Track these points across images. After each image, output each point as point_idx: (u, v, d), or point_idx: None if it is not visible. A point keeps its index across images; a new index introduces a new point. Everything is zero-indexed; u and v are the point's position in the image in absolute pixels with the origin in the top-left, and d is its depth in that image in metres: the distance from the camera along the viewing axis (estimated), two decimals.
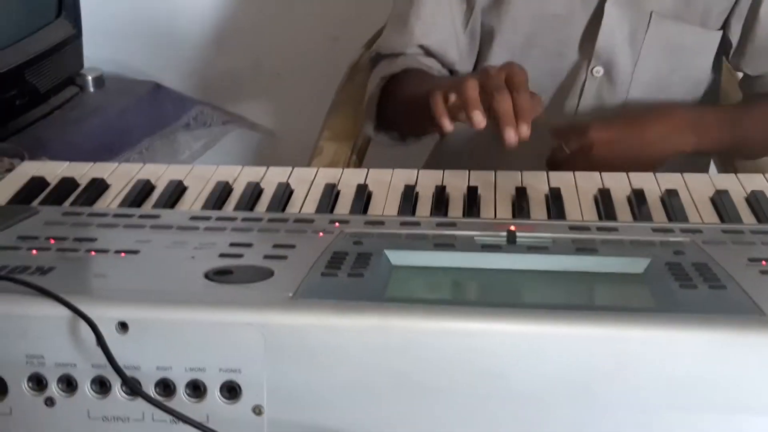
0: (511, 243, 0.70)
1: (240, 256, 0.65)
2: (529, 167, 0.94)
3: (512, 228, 0.72)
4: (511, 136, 0.81)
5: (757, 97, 1.20)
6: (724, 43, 1.17)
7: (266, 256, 0.65)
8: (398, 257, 0.67)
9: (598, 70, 1.14)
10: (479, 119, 0.82)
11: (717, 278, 0.60)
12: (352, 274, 0.61)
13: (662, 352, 0.53)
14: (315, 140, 1.46)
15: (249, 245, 0.68)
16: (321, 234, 0.72)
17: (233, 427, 0.56)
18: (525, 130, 0.82)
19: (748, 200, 0.85)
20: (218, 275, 0.61)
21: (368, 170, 0.94)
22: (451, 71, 1.21)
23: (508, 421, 0.55)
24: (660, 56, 1.14)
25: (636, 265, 0.65)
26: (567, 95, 1.16)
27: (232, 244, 0.68)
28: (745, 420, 0.53)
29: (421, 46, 1.18)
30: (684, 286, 0.59)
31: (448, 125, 0.85)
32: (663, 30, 1.12)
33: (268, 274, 0.61)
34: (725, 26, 1.15)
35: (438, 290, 0.63)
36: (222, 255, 0.65)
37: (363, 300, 0.57)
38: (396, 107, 1.17)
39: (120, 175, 0.93)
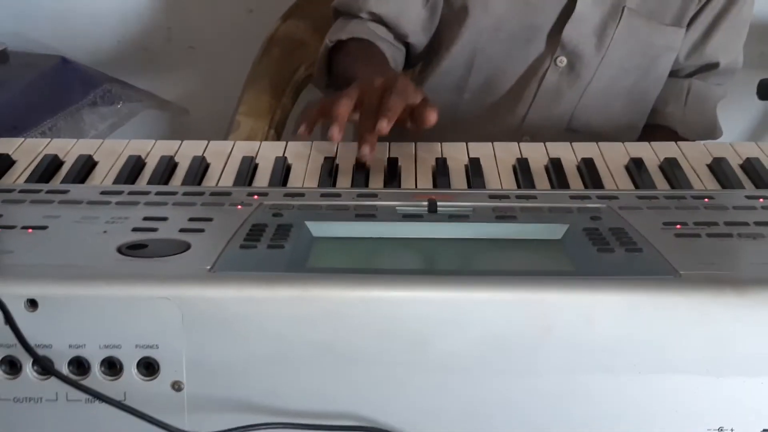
0: (432, 212, 0.70)
1: (154, 230, 0.63)
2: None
3: (433, 197, 0.71)
4: (363, 155, 0.82)
5: (650, 134, 1.22)
6: None
7: (182, 230, 0.63)
8: (319, 228, 0.66)
9: (562, 60, 1.14)
10: (333, 134, 0.82)
11: (633, 242, 0.61)
12: (272, 245, 0.60)
13: (582, 315, 0.54)
14: (230, 116, 1.44)
15: (164, 219, 0.66)
16: (239, 206, 0.70)
17: (152, 404, 0.54)
18: (383, 125, 0.81)
19: (661, 167, 0.87)
20: (132, 249, 0.59)
21: (287, 143, 0.92)
22: (406, 44, 1.20)
23: (431, 388, 0.54)
24: (627, 52, 1.14)
25: (554, 231, 0.65)
26: (528, 83, 1.16)
27: (145, 218, 0.66)
28: (665, 378, 0.54)
29: (372, 14, 1.16)
30: (601, 250, 0.60)
31: (306, 132, 0.86)
32: (634, 26, 1.13)
33: (184, 247, 0.59)
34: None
35: (359, 260, 0.62)
36: (135, 229, 0.63)
37: (282, 271, 0.56)
38: (337, 74, 1.16)
39: (26, 150, 0.89)
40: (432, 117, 0.86)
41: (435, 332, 0.54)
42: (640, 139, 1.25)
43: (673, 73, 1.21)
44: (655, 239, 0.62)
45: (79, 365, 0.54)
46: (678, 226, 0.65)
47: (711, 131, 1.24)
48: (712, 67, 1.20)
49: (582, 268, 0.58)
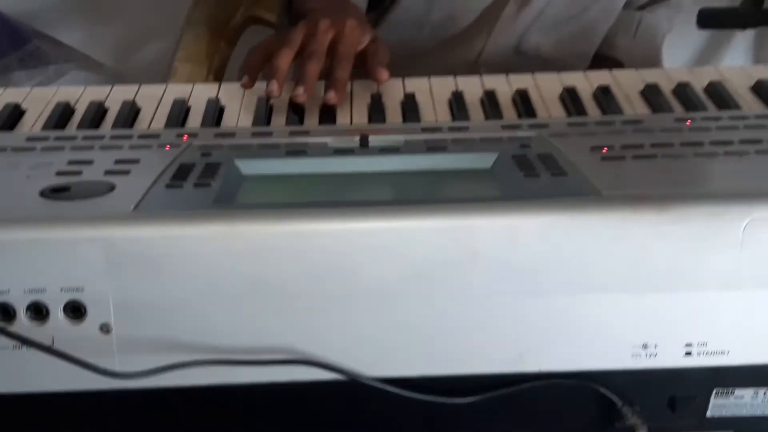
0: (364, 146, 0.69)
1: (79, 173, 0.62)
2: None
3: (365, 132, 0.71)
4: (298, 95, 0.81)
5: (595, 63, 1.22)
6: None
7: (107, 172, 0.62)
8: (249, 166, 0.65)
9: None
10: (272, 89, 0.81)
11: (560, 167, 0.62)
12: (199, 184, 0.60)
13: (506, 238, 0.54)
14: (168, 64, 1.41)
15: (89, 162, 0.65)
16: (168, 147, 0.69)
17: (80, 347, 0.54)
18: (332, 96, 0.81)
19: (594, 95, 0.87)
20: (54, 192, 0.58)
21: (220, 85, 0.91)
22: None
23: (361, 317, 0.55)
24: None
25: (484, 160, 0.66)
26: (486, 18, 1.15)
27: (70, 162, 0.65)
28: (588, 297, 0.55)
29: None
30: (528, 175, 0.60)
31: (249, 85, 0.86)
32: None
33: (108, 188, 0.59)
34: None
35: (289, 196, 0.62)
36: (59, 173, 0.62)
37: (209, 208, 0.55)
38: (295, 10, 1.13)
39: None
40: (383, 76, 0.86)
41: (362, 262, 0.54)
42: (587, 68, 1.25)
43: (626, 5, 1.21)
44: (582, 163, 0.62)
45: (5, 311, 0.54)
46: (605, 150, 0.66)
47: (655, 64, 1.25)
48: None
49: (508, 194, 0.58)
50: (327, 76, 0.85)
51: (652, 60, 1.25)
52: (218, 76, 1.41)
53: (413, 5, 1.17)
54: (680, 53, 1.75)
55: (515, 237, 0.54)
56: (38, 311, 0.54)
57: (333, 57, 0.85)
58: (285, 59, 0.84)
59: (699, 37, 1.73)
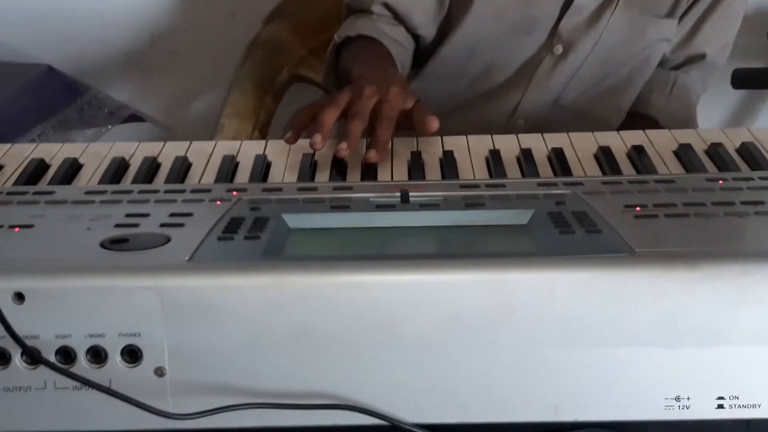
0: (405, 202, 0.72)
1: (136, 225, 0.66)
2: None
3: (406, 188, 0.74)
4: (341, 149, 0.84)
5: (630, 121, 1.25)
6: None
7: (163, 224, 0.66)
8: (295, 220, 0.69)
9: (558, 49, 1.17)
10: (316, 142, 0.85)
11: (594, 224, 0.64)
12: (249, 237, 0.63)
13: (542, 293, 0.56)
14: (215, 120, 1.47)
15: (145, 215, 0.68)
16: (219, 202, 0.73)
17: (137, 389, 0.57)
18: (372, 155, 0.85)
19: (629, 155, 0.89)
20: (114, 243, 0.61)
21: (267, 141, 0.95)
22: (416, 37, 1.22)
23: (400, 366, 0.57)
24: (619, 40, 1.17)
25: (520, 216, 0.68)
26: (523, 72, 1.19)
27: (128, 215, 0.69)
28: (622, 351, 0.57)
29: (386, 5, 1.18)
30: (563, 232, 0.63)
31: (291, 141, 0.89)
32: (627, 17, 1.16)
33: (164, 240, 0.62)
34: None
35: (333, 249, 0.65)
36: (118, 225, 0.66)
37: (258, 260, 0.58)
38: (341, 72, 1.18)
39: (13, 155, 0.92)
40: (433, 125, 0.89)
41: (403, 313, 0.56)
42: (622, 125, 1.28)
43: (660, 64, 1.24)
44: (615, 221, 0.65)
45: (66, 355, 0.57)
46: (638, 208, 0.68)
47: (688, 124, 1.28)
48: (698, 58, 1.24)
49: (543, 249, 0.61)
50: (369, 135, 0.89)
51: (686, 120, 1.27)
52: (263, 132, 1.46)
53: (453, 57, 1.21)
54: (714, 113, 1.77)
55: (551, 292, 0.57)
56: (97, 355, 0.57)
57: (376, 118, 0.89)
58: (330, 116, 0.88)
59: (733, 97, 1.75)
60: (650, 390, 0.58)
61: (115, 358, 0.57)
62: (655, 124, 1.24)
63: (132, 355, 0.57)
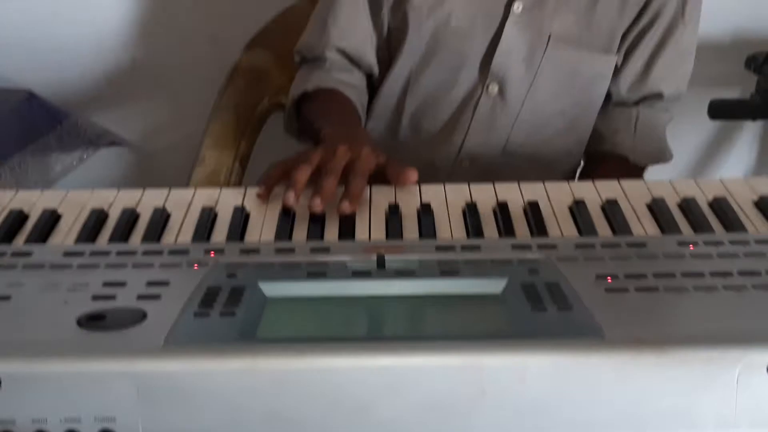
0: (381, 267, 0.73)
1: (113, 297, 0.66)
2: None
3: (382, 251, 0.75)
4: (314, 205, 0.86)
5: (600, 161, 1.26)
6: None
7: (139, 296, 0.66)
8: (272, 289, 0.69)
9: (494, 87, 1.18)
10: (289, 199, 0.87)
11: (565, 299, 0.65)
12: (225, 312, 0.64)
13: (513, 378, 0.58)
14: (197, 146, 1.47)
15: (122, 284, 0.69)
16: (196, 266, 0.73)
17: None
18: (345, 206, 0.87)
19: (603, 209, 0.91)
20: (91, 321, 0.62)
21: (246, 189, 0.95)
22: (370, 77, 1.24)
23: None
24: (555, 79, 1.18)
25: (494, 285, 0.69)
26: (463, 110, 1.20)
27: (105, 284, 0.69)
28: None
29: (339, 50, 1.20)
30: (535, 308, 0.64)
31: (264, 197, 0.91)
32: (560, 54, 1.16)
33: (140, 317, 0.63)
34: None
35: (309, 323, 0.66)
36: (95, 297, 0.66)
37: (233, 342, 0.59)
38: (305, 124, 1.20)
39: None
40: (412, 176, 0.91)
41: (375, 398, 0.57)
42: (593, 166, 1.29)
43: (620, 103, 1.25)
44: (587, 294, 0.66)
45: None
46: (609, 279, 0.69)
47: (661, 155, 1.29)
48: (655, 96, 1.25)
49: (516, 328, 0.62)
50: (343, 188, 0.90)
51: (658, 151, 1.28)
52: (244, 163, 1.47)
53: (392, 93, 1.23)
54: (691, 140, 1.79)
55: (521, 376, 0.58)
56: None
57: (349, 174, 0.90)
58: (303, 175, 0.89)
59: (710, 124, 1.77)
60: None
61: None
62: (625, 162, 1.25)
63: None
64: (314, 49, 1.22)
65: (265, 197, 0.90)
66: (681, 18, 1.18)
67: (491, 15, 1.15)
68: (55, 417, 0.57)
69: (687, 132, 1.72)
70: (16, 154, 1.51)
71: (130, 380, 0.57)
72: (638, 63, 1.21)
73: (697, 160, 1.81)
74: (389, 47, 1.22)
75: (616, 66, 1.22)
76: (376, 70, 1.24)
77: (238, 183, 1.44)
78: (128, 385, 0.57)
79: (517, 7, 1.14)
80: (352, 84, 1.21)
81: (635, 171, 1.27)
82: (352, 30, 1.20)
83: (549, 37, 1.15)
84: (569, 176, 1.31)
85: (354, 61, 1.22)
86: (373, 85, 1.27)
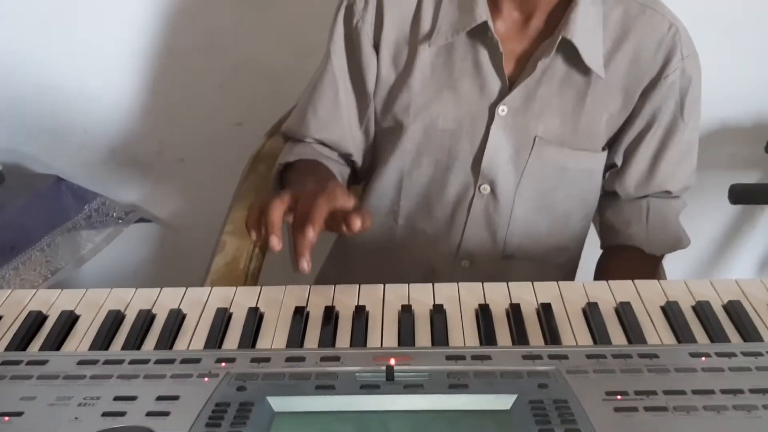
0: (390, 380, 0.74)
1: (123, 414, 0.67)
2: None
3: (391, 363, 0.76)
4: (302, 268, 0.84)
5: (616, 253, 1.26)
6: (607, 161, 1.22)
7: (149, 413, 0.67)
8: (280, 403, 0.70)
9: (485, 188, 1.18)
10: (274, 245, 0.85)
11: (574, 420, 0.65)
12: None
13: None
14: (219, 230, 1.49)
15: (133, 399, 0.70)
16: (206, 379, 0.74)
17: None
18: (309, 233, 0.85)
19: (617, 311, 0.90)
20: None
21: (261, 289, 0.96)
22: (352, 161, 1.26)
23: None
24: (543, 177, 1.18)
25: (503, 401, 0.69)
26: (457, 210, 1.21)
27: (116, 398, 0.70)
28: None
29: (316, 139, 1.22)
30: (543, 431, 0.64)
31: (256, 239, 0.89)
32: (546, 154, 1.16)
33: None
34: (610, 148, 1.20)
35: None
36: (105, 414, 0.67)
37: None
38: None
39: (12, 303, 0.94)
40: (357, 223, 0.87)
41: None
42: (609, 258, 1.29)
43: (627, 198, 1.25)
44: (595, 415, 0.65)
45: None
46: (618, 397, 0.69)
47: (677, 243, 1.28)
48: (664, 194, 1.25)
49: None
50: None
51: (672, 241, 1.26)
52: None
53: (385, 192, 1.24)
54: (711, 225, 1.77)
55: None
56: None
57: (309, 215, 0.87)
58: (277, 213, 0.87)
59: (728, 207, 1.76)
60: None
61: None
62: (640, 252, 1.24)
63: None
64: (296, 134, 1.25)
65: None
66: (680, 118, 1.18)
67: (477, 118, 1.16)
68: None
69: (707, 214, 1.71)
70: (46, 235, 1.54)
71: None
72: (641, 165, 1.21)
73: (717, 242, 1.80)
74: (380, 145, 1.24)
75: (615, 165, 1.22)
76: (357, 158, 1.25)
77: (258, 269, 1.45)
78: None
79: (501, 110, 1.15)
80: (333, 159, 1.23)
81: (652, 261, 1.27)
82: (330, 123, 1.21)
83: (534, 138, 1.16)
84: (569, 273, 1.30)
85: (333, 148, 1.24)
86: (357, 175, 1.29)
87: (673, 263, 1.33)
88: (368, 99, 1.20)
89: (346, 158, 1.26)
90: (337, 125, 1.21)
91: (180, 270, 1.67)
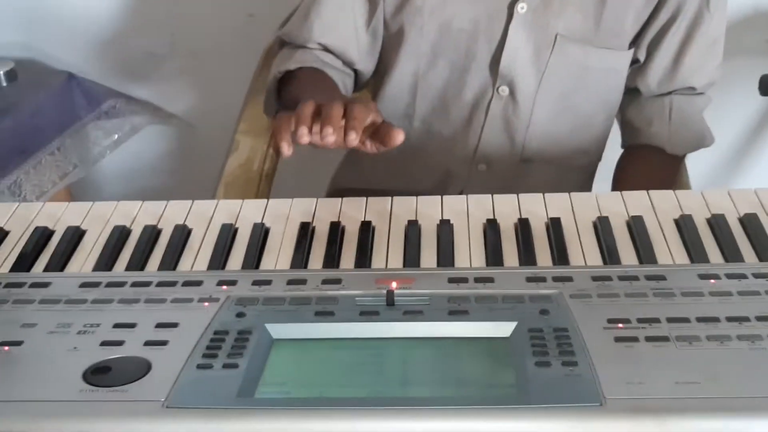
0: (390, 305, 0.73)
1: (121, 344, 0.67)
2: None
3: (392, 287, 0.75)
4: (325, 133, 0.82)
5: (636, 153, 1.22)
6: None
7: (147, 342, 0.67)
8: (279, 331, 0.70)
9: (504, 90, 1.14)
10: (302, 136, 0.83)
11: (572, 351, 0.64)
12: (228, 364, 0.64)
13: None
14: (233, 127, 1.47)
15: (132, 327, 0.70)
16: (206, 304, 0.74)
17: None
18: (352, 138, 0.84)
19: (628, 225, 0.88)
20: (96, 374, 0.63)
21: (267, 202, 0.95)
22: (354, 71, 1.22)
23: None
24: (564, 77, 1.14)
25: (503, 329, 0.69)
26: (475, 112, 1.17)
27: (115, 325, 0.70)
28: None
29: (320, 44, 1.18)
30: (540, 363, 0.63)
31: (286, 151, 0.85)
32: (568, 53, 1.12)
33: (145, 369, 0.64)
34: (634, 44, 1.15)
35: (312, 370, 0.66)
36: (104, 343, 0.68)
37: (231, 403, 0.60)
38: (287, 103, 1.17)
39: (19, 217, 0.94)
40: (399, 136, 0.86)
41: None
42: (630, 159, 1.25)
43: (650, 95, 1.21)
44: (594, 346, 0.65)
45: None
46: (620, 325, 0.68)
47: (700, 141, 1.24)
48: (688, 90, 1.20)
49: (517, 389, 0.61)
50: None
51: (696, 139, 1.22)
52: (277, 148, 1.46)
53: (398, 96, 1.20)
54: (739, 117, 1.71)
55: None
56: None
57: (348, 119, 0.86)
58: (308, 109, 0.86)
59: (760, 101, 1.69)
60: None
61: None
62: (661, 152, 1.21)
63: None
64: (296, 39, 1.19)
65: (287, 150, 0.85)
66: (707, 9, 1.12)
67: (495, 17, 1.11)
68: None
69: (734, 110, 1.65)
70: (56, 138, 1.53)
71: None
72: (665, 59, 1.15)
73: (744, 139, 1.74)
74: (389, 48, 1.19)
75: (638, 61, 1.17)
76: (361, 67, 1.20)
77: (273, 169, 1.44)
78: None
79: (521, 8, 1.09)
80: (336, 67, 1.18)
81: (673, 161, 1.23)
82: (336, 26, 1.16)
83: (556, 36, 1.11)
84: (588, 176, 1.27)
85: (336, 55, 1.19)
86: (357, 86, 1.25)
87: (695, 165, 1.29)
88: None
89: (349, 67, 1.21)
90: (344, 28, 1.16)
91: (196, 169, 1.66)
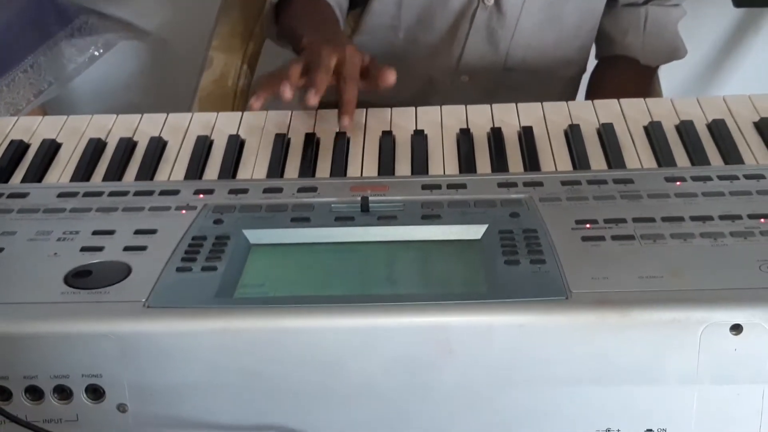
0: (365, 211, 0.74)
1: (101, 249, 0.69)
2: None
3: (367, 194, 0.76)
4: (308, 98, 0.87)
5: (610, 64, 1.21)
6: None
7: (126, 248, 0.69)
8: (256, 236, 0.71)
9: (489, 0, 1.14)
10: (285, 92, 0.87)
11: (540, 251, 0.66)
12: (207, 267, 0.66)
13: (481, 337, 0.59)
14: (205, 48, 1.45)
15: (111, 233, 0.71)
16: (184, 212, 0.75)
17: (102, 423, 0.61)
18: (345, 121, 0.88)
19: (599, 133, 0.90)
20: (77, 278, 0.65)
21: (242, 114, 0.96)
22: None
23: (346, 406, 0.61)
24: None
25: (474, 231, 0.70)
26: (459, 22, 1.17)
27: (94, 232, 0.71)
28: (556, 389, 0.60)
29: None
30: (509, 262, 0.65)
31: (256, 106, 0.90)
32: None
33: (125, 273, 0.65)
34: None
35: (289, 272, 0.68)
36: (83, 249, 0.69)
37: (211, 303, 0.61)
38: (283, 31, 1.18)
39: None
40: (391, 77, 0.90)
41: (346, 357, 0.60)
42: (603, 70, 1.26)
43: (629, 4, 1.21)
44: (562, 245, 0.67)
45: (33, 392, 0.61)
46: (588, 225, 0.69)
47: (673, 53, 1.25)
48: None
49: (487, 286, 0.63)
50: (337, 98, 0.91)
51: (669, 51, 1.24)
52: (252, 64, 1.45)
53: (384, 8, 1.20)
54: (708, 34, 1.71)
55: (488, 336, 0.59)
56: (63, 392, 0.61)
57: (339, 79, 0.90)
58: (295, 71, 0.90)
59: (729, 16, 1.69)
60: (582, 422, 0.61)
61: (80, 396, 0.61)
62: (635, 63, 1.22)
63: (95, 392, 0.61)
64: None
65: (258, 107, 0.90)
66: None
67: None
68: (45, 373, 0.61)
69: (707, 22, 1.65)
70: (29, 56, 1.51)
71: (113, 340, 0.60)
72: None
73: (718, 51, 1.74)
74: None
75: None
76: None
77: (247, 85, 1.43)
78: (112, 345, 0.60)
79: None
80: None
81: (647, 72, 1.25)
82: None
83: None
84: (572, 85, 1.28)
85: None
86: (353, 4, 1.24)
87: (668, 77, 1.30)
88: None
89: None
90: None
91: (171, 86, 1.64)
